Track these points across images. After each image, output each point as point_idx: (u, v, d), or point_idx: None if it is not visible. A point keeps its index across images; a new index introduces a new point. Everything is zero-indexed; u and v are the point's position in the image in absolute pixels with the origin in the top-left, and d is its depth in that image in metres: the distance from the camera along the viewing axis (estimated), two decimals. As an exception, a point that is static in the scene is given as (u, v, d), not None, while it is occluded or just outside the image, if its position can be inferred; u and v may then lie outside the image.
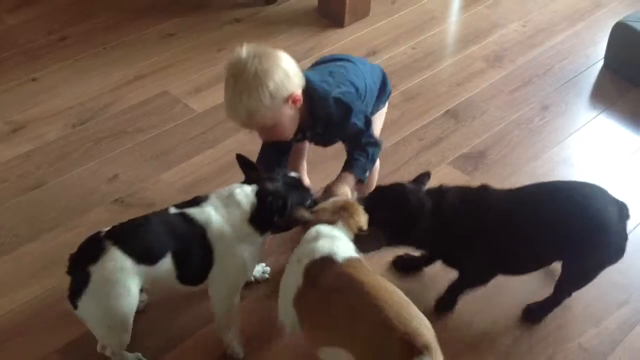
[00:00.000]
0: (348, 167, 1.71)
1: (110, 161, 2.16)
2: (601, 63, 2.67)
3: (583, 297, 1.81)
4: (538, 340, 1.74)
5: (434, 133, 2.33)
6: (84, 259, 1.46)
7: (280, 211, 1.55)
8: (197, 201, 1.57)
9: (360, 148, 1.72)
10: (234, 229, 1.54)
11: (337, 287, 1.40)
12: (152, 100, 2.40)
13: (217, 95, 2.41)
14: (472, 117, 2.40)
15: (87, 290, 1.44)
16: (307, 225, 1.53)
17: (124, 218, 1.53)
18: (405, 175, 2.01)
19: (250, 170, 1.63)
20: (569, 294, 1.76)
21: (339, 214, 1.52)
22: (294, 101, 1.61)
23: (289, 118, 1.64)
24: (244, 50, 1.58)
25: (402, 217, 1.60)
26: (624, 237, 1.63)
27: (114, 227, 1.50)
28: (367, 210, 1.56)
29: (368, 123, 1.72)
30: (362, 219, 1.53)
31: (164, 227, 1.51)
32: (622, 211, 1.62)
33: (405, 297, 1.37)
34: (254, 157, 1.75)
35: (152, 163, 2.16)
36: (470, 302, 1.80)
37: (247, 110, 1.57)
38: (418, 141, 2.29)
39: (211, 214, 1.54)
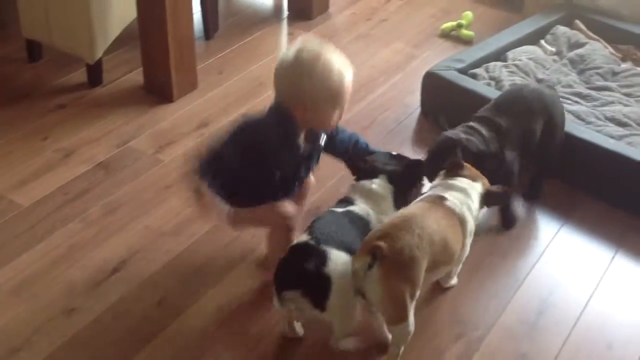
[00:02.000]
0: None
1: None
2: (418, 110, 2.85)
3: (416, 343, 1.88)
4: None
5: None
6: (308, 266, 1.66)
7: (418, 181, 1.95)
8: (349, 201, 1.86)
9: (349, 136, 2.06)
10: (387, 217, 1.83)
11: None
12: (-26, 201, 2.30)
13: (45, 186, 2.35)
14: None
15: (333, 290, 1.65)
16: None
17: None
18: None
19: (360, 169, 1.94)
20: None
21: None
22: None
23: None
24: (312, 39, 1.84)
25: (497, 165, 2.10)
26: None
27: (313, 231, 1.72)
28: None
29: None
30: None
31: (347, 222, 1.79)
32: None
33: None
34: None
35: (-23, 267, 2.06)
36: None
37: None
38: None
39: (368, 208, 1.85)
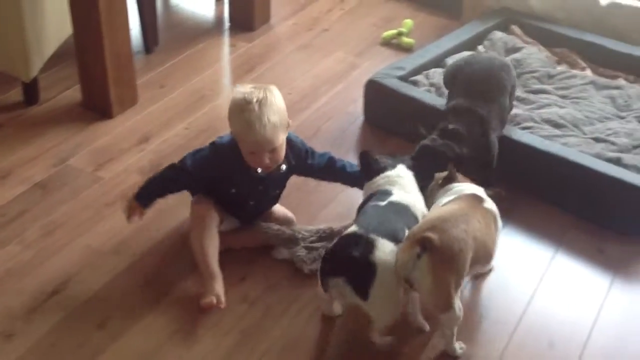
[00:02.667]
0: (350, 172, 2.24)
1: None
2: (362, 118, 2.87)
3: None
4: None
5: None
6: (354, 253, 1.72)
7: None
8: (387, 193, 1.94)
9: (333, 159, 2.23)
10: (419, 201, 2.00)
11: None
12: None
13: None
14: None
15: (377, 279, 1.71)
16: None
17: None
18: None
19: (370, 167, 2.05)
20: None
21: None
22: (288, 127, 2.05)
23: (285, 143, 2.05)
24: (248, 87, 2.01)
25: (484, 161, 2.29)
26: None
27: (361, 222, 1.82)
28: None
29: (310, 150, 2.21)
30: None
31: (392, 213, 1.88)
32: None
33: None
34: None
35: None
36: None
37: (274, 127, 1.95)
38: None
39: (405, 195, 1.96)
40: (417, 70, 2.90)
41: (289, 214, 2.29)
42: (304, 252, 2.12)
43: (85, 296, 2.03)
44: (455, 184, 2.03)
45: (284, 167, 2.12)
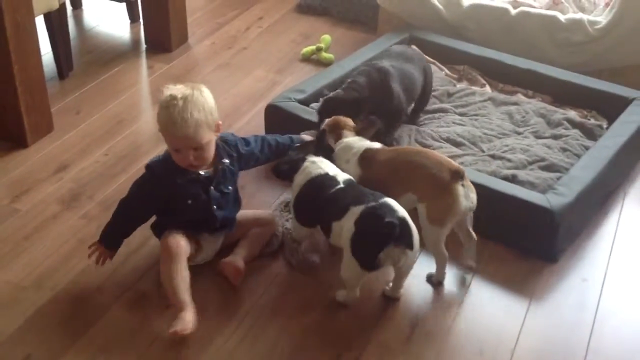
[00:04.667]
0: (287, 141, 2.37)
1: None
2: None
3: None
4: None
5: (139, 234, 2.29)
6: (391, 219, 1.90)
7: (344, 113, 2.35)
8: (328, 177, 2.11)
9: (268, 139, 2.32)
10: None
11: (391, 157, 2.18)
12: None
13: None
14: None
15: (411, 226, 1.95)
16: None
17: None
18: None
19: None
20: None
21: (338, 131, 2.28)
22: (218, 130, 2.06)
23: (213, 143, 2.05)
24: (179, 85, 2.03)
25: (382, 94, 2.51)
26: None
27: (358, 200, 1.98)
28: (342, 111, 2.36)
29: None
30: (350, 122, 2.31)
31: (350, 185, 2.10)
32: None
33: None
34: None
35: None
36: None
37: (197, 123, 1.96)
38: (123, 247, 2.25)
39: (337, 169, 2.18)
40: (318, 93, 2.80)
41: (266, 212, 2.34)
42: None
43: (7, 332, 1.95)
44: (342, 143, 2.25)
45: (226, 160, 2.14)
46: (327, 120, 2.33)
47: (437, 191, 2.05)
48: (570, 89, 3.00)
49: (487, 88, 3.08)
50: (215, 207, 2.12)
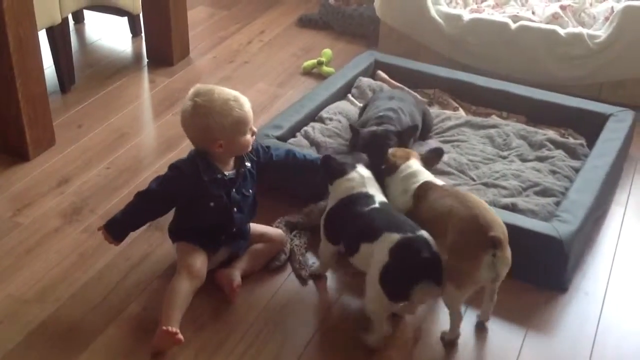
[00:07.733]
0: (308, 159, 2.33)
1: None
2: (286, 149, 2.87)
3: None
4: None
5: (141, 248, 2.30)
6: (425, 254, 1.87)
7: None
8: (368, 196, 2.06)
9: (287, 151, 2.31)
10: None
11: (442, 196, 2.02)
12: None
13: None
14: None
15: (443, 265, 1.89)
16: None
17: None
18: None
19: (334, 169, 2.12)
20: None
21: (406, 156, 2.19)
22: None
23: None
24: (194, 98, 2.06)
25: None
26: None
27: (395, 228, 1.91)
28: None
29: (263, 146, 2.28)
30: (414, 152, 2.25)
31: (390, 210, 2.05)
32: None
33: (485, 203, 1.97)
34: None
35: None
36: None
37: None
38: (125, 261, 2.26)
39: (380, 193, 2.12)
40: (296, 127, 2.74)
41: (276, 231, 2.31)
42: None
43: (9, 346, 1.94)
44: (409, 169, 2.15)
45: (248, 164, 2.15)
46: (393, 149, 2.28)
47: (462, 253, 1.88)
48: (544, 108, 2.92)
49: (461, 111, 2.99)
50: (235, 209, 2.12)
